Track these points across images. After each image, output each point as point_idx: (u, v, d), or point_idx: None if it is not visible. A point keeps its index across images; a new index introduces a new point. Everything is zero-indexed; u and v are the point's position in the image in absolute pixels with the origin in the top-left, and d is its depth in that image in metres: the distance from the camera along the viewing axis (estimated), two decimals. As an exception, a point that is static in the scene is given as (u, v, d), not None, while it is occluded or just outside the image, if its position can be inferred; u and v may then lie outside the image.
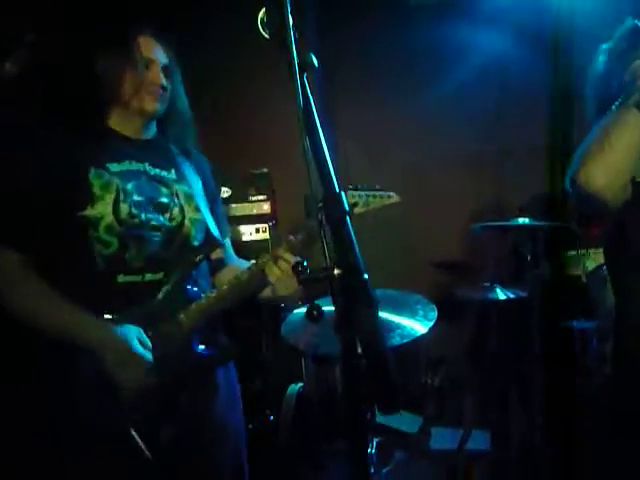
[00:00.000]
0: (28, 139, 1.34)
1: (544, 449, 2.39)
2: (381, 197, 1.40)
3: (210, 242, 1.47)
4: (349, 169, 3.47)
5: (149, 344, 1.30)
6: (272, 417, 2.51)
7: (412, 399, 3.06)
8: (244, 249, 1.75)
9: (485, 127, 3.17)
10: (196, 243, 1.44)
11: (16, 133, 1.37)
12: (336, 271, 0.76)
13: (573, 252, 2.28)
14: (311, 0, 3.29)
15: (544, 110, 3.01)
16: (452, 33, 3.13)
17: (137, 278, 1.34)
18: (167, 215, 1.40)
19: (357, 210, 1.38)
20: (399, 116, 3.32)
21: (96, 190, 1.31)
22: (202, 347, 1.37)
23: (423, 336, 1.93)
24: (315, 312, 0.78)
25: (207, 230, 1.48)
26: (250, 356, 2.65)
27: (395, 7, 3.29)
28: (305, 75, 0.70)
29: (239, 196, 2.93)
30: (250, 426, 2.54)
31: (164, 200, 1.41)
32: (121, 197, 1.33)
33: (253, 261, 1.38)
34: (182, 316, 1.33)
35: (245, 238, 2.90)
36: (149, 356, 1.28)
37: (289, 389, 2.43)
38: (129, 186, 1.36)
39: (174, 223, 1.41)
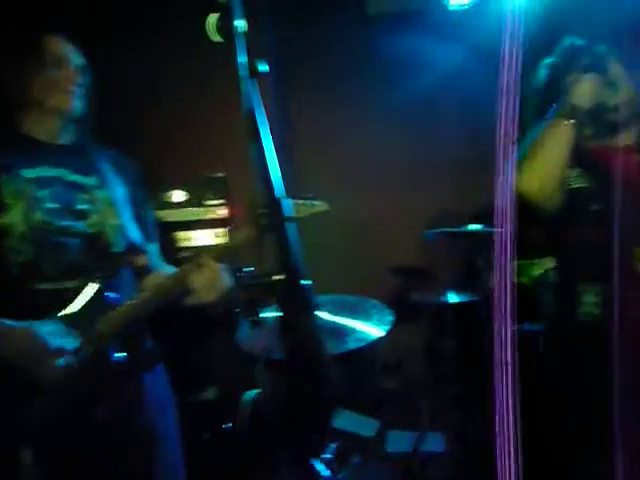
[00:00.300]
0: None
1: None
2: (310, 205, 1.44)
3: (132, 248, 1.48)
4: (305, 175, 3.49)
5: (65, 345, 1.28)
6: (228, 425, 2.47)
7: (369, 403, 3.09)
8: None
9: (441, 135, 3.25)
10: (117, 250, 1.45)
11: None
12: (276, 277, 0.76)
13: (521, 260, 2.37)
14: (268, 5, 3.29)
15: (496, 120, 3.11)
16: (409, 43, 3.19)
17: (55, 285, 1.33)
18: (85, 222, 1.40)
19: None
20: (356, 123, 3.36)
21: (7, 198, 1.30)
22: (120, 355, 1.36)
23: (379, 340, 1.96)
24: (253, 318, 0.78)
25: (129, 236, 1.48)
26: (202, 364, 2.62)
27: (354, 15, 3.33)
28: (253, 80, 0.70)
29: (195, 200, 2.89)
30: (205, 436, 2.50)
31: (82, 207, 1.41)
32: (33, 204, 1.32)
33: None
34: (100, 324, 1.32)
35: (202, 243, 2.85)
36: (61, 344, 1.26)
37: (244, 396, 2.40)
38: (43, 193, 1.34)
39: (93, 230, 1.41)
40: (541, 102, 1.28)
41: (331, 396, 0.76)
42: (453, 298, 2.63)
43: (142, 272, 1.53)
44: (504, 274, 1.19)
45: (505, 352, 1.23)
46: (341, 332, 1.94)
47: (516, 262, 1.20)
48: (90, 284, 1.35)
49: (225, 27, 0.72)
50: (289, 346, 0.74)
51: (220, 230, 2.83)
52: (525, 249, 1.18)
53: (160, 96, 3.19)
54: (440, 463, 2.53)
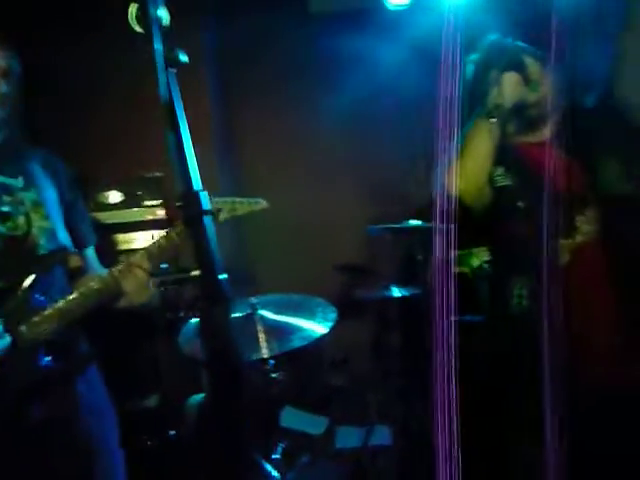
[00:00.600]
0: None
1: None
2: (248, 203, 1.46)
3: (62, 251, 1.45)
4: (249, 174, 3.46)
5: None
6: (172, 432, 2.40)
7: (317, 401, 3.10)
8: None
9: (383, 133, 3.29)
10: (44, 252, 1.42)
11: None
12: (194, 272, 0.74)
13: (460, 251, 2.44)
14: (211, 3, 3.24)
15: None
16: (350, 42, 3.21)
17: None
18: (9, 224, 1.38)
19: (222, 216, 1.41)
20: (299, 121, 3.36)
21: None
22: (48, 358, 1.34)
23: (324, 337, 1.97)
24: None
25: (59, 239, 1.45)
26: (143, 370, 2.54)
27: (296, 13, 3.32)
28: (171, 70, 0.68)
29: (132, 201, 2.79)
30: (149, 443, 2.42)
31: (5, 209, 1.38)
32: None
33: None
34: (24, 327, 1.30)
35: (139, 245, 2.75)
36: None
37: (189, 401, 2.35)
38: None
39: (18, 232, 1.39)
40: (469, 99, 1.31)
41: (240, 395, 0.75)
42: (397, 293, 2.67)
43: (75, 274, 1.50)
44: (444, 267, 1.22)
45: (446, 343, 1.25)
46: (286, 331, 1.94)
47: (456, 252, 1.23)
48: (16, 286, 1.32)
49: (143, 16, 0.69)
50: (208, 346, 0.72)
51: (159, 232, 2.73)
52: (463, 239, 1.21)
53: (96, 96, 3.08)
54: (388, 456, 2.56)
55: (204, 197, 0.70)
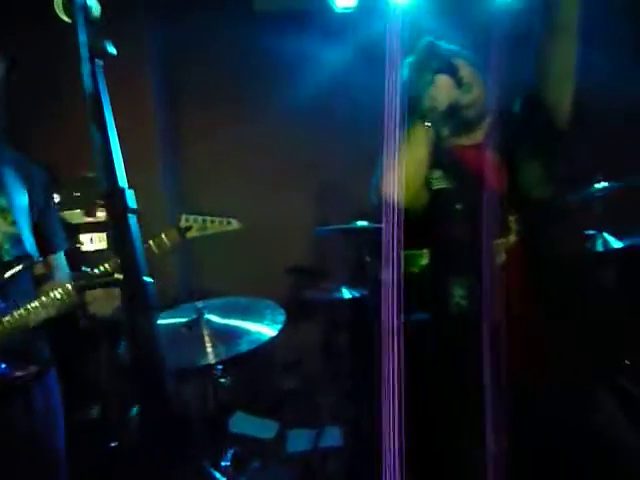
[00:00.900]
0: None
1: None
2: (220, 223, 1.47)
3: (26, 258, 1.44)
4: (195, 175, 3.38)
5: None
6: (115, 444, 2.30)
7: (268, 405, 3.06)
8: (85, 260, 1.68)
9: (329, 134, 3.29)
10: (8, 258, 1.41)
11: None
12: (117, 275, 0.71)
13: (408, 251, 2.48)
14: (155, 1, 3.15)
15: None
16: (296, 43, 3.20)
17: None
18: None
19: (190, 234, 1.42)
20: (245, 122, 3.31)
21: None
22: (4, 366, 1.33)
23: (273, 340, 1.94)
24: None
25: (24, 245, 1.44)
26: (85, 382, 2.43)
27: (240, 11, 3.27)
28: (98, 62, 0.64)
29: (73, 202, 2.66)
30: (92, 455, 2.31)
31: None
32: None
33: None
34: None
35: (83, 248, 2.63)
36: None
37: (132, 411, 2.26)
38: None
39: None
40: (406, 102, 1.32)
41: (163, 403, 0.72)
42: (347, 294, 2.68)
43: (41, 281, 1.51)
44: (392, 267, 1.22)
45: (393, 343, 1.25)
46: (233, 335, 1.90)
47: (404, 252, 1.23)
48: None
49: (69, 4, 0.65)
50: (133, 351, 0.69)
51: (98, 235, 2.63)
52: (408, 240, 1.22)
53: (36, 94, 2.92)
54: (339, 457, 2.56)
55: (129, 195, 0.66)
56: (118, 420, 2.32)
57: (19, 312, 1.33)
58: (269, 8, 3.34)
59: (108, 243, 2.62)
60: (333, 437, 2.64)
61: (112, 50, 0.65)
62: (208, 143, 3.33)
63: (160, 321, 2.03)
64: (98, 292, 1.32)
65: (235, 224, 1.48)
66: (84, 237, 2.64)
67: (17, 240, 1.42)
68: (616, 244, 2.57)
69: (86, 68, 0.62)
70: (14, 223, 1.42)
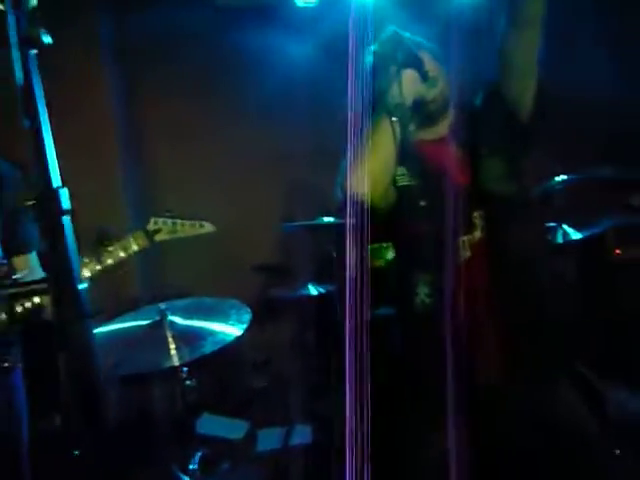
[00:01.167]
0: None
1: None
2: (192, 226, 1.43)
3: None
4: (158, 174, 3.30)
5: None
6: (77, 453, 2.23)
7: (238, 405, 3.03)
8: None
9: (294, 129, 3.26)
10: None
11: None
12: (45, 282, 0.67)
13: (373, 245, 2.49)
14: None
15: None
16: (261, 38, 3.16)
17: None
18: None
19: (159, 237, 1.38)
20: (207, 120, 3.26)
21: None
22: None
23: (239, 340, 1.91)
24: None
25: None
26: (44, 391, 2.35)
27: (202, 5, 3.21)
28: (31, 51, 0.60)
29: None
30: (54, 464, 2.24)
31: None
32: None
33: None
34: None
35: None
36: None
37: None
38: None
39: None
40: (373, 95, 1.29)
41: (98, 410, 0.69)
42: (314, 290, 2.67)
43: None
44: (358, 262, 1.21)
45: (359, 339, 1.24)
46: (197, 336, 1.86)
47: (368, 248, 1.22)
48: None
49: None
50: (66, 358, 0.66)
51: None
52: (374, 235, 1.20)
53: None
54: (309, 455, 2.56)
55: (64, 195, 0.62)
56: (79, 428, 2.24)
57: None
58: (230, 2, 3.28)
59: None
60: (303, 435, 2.63)
61: (47, 40, 0.61)
62: (171, 141, 3.26)
63: (121, 324, 1.97)
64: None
65: (208, 227, 1.44)
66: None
67: None
68: (575, 235, 2.63)
69: (16, 57, 0.58)
70: None
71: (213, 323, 1.91)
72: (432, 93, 1.36)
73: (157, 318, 1.91)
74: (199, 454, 2.28)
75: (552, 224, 2.72)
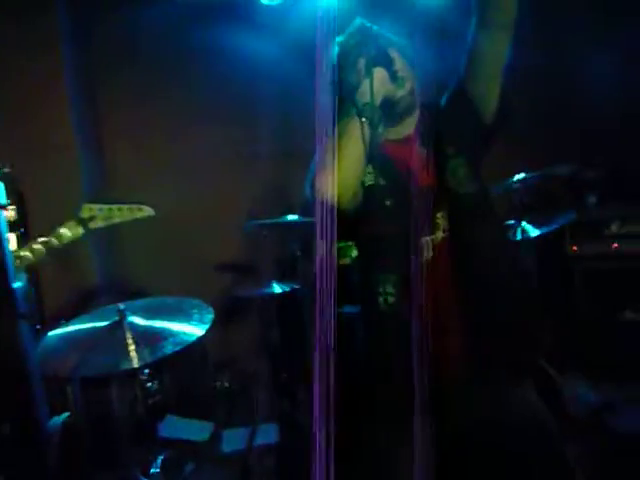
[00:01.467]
0: None
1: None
2: (130, 210, 1.34)
3: None
4: (119, 172, 3.21)
5: None
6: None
7: (202, 405, 2.98)
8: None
9: (258, 128, 3.23)
10: None
11: None
12: None
13: (340, 243, 2.48)
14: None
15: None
16: (222, 35, 3.11)
17: None
18: None
19: (94, 224, 1.29)
20: (170, 117, 3.19)
21: None
22: None
23: (201, 340, 1.87)
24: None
25: None
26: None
27: (163, 2, 3.13)
28: None
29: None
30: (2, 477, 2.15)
31: None
32: None
33: None
34: None
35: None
36: None
37: (50, 423, 2.11)
38: None
39: None
40: (337, 89, 1.26)
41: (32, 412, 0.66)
42: (277, 289, 2.65)
43: None
44: (323, 262, 1.19)
45: (327, 336, 1.23)
46: (158, 337, 1.80)
47: (335, 246, 1.20)
48: None
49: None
50: None
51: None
52: (340, 233, 1.19)
53: None
54: (275, 454, 2.54)
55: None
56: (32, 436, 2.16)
57: None
58: (190, -1, 3.22)
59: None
60: (268, 434, 2.61)
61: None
62: (133, 139, 3.18)
63: (80, 325, 1.90)
64: None
65: (147, 210, 1.37)
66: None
67: None
68: (533, 232, 2.70)
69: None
70: None
71: (174, 323, 1.87)
72: (400, 93, 1.35)
73: (116, 318, 1.85)
74: (161, 457, 2.24)
75: (511, 222, 2.78)
